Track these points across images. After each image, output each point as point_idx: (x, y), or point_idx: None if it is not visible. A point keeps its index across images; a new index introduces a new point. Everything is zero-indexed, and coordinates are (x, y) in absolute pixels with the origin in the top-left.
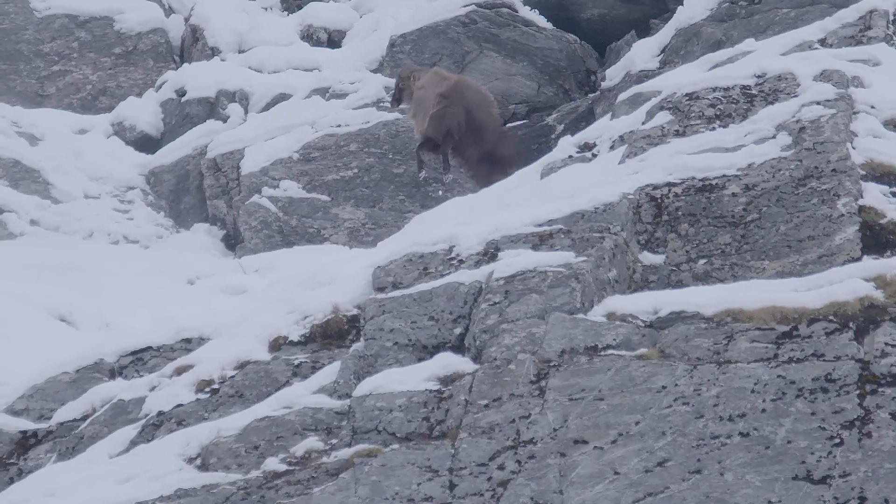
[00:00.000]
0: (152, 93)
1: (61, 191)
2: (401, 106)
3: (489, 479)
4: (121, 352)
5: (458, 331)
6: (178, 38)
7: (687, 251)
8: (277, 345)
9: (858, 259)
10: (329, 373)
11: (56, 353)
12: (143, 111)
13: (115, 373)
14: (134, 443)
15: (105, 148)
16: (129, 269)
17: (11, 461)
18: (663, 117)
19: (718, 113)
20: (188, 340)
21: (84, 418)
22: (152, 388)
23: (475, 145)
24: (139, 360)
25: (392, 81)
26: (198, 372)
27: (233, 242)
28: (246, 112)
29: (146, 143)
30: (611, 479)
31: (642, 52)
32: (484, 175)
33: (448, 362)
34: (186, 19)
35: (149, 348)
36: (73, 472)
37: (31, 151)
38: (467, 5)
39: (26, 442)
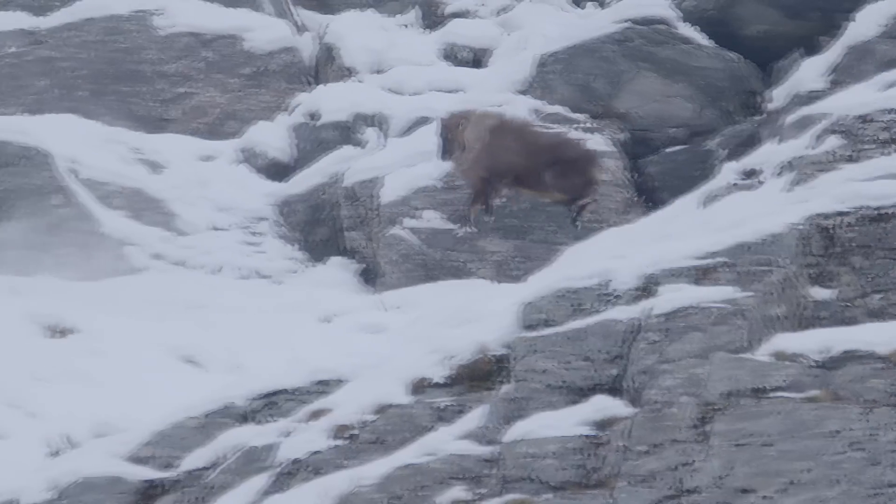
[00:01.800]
0: (283, 116)
1: (186, 222)
2: (451, 159)
3: None
4: (252, 395)
5: (613, 371)
6: (311, 57)
7: (861, 285)
8: (420, 387)
9: None
10: (476, 417)
11: (182, 397)
12: (273, 136)
13: (245, 418)
14: (266, 493)
15: (233, 176)
16: (259, 307)
17: None
18: (833, 142)
19: (893, 137)
20: (324, 383)
21: (213, 467)
22: (286, 434)
23: (544, 168)
24: (272, 403)
25: (541, 104)
26: (335, 416)
27: (371, 277)
28: (384, 137)
29: (277, 171)
30: None
31: (810, 71)
32: (575, 187)
33: (603, 405)
34: (320, 37)
35: (282, 391)
36: None
37: (153, 180)
38: (621, 22)
39: (151, 492)
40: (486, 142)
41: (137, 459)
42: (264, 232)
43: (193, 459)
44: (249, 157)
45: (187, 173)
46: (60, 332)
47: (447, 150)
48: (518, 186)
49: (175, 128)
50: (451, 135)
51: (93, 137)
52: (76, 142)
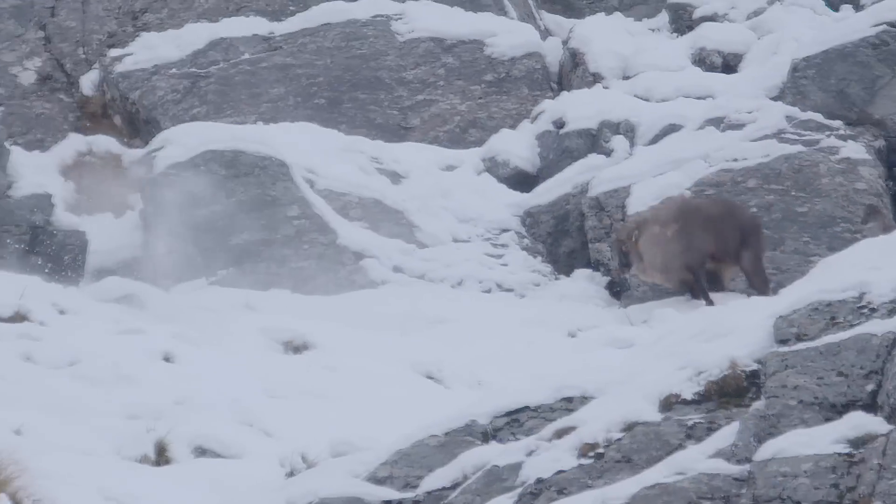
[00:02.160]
0: (527, 124)
1: (427, 234)
2: (632, 271)
3: None
4: (495, 412)
5: (869, 387)
6: (556, 63)
7: None
8: (669, 404)
9: None
10: (726, 435)
11: (423, 415)
12: (517, 145)
13: (488, 436)
14: None
15: (475, 186)
16: (503, 321)
17: None
18: None
19: None
20: (569, 399)
21: (454, 486)
22: (530, 453)
23: (742, 248)
24: (515, 421)
25: (794, 111)
26: (581, 434)
27: (618, 290)
28: (632, 145)
29: (521, 181)
30: None
31: None
32: (763, 276)
33: (859, 422)
34: (565, 42)
35: (526, 408)
36: None
37: (393, 190)
38: (877, 25)
39: None
40: (668, 239)
41: (376, 479)
42: (507, 244)
43: (434, 479)
44: (492, 167)
45: (428, 183)
46: (296, 348)
47: (625, 263)
48: (716, 264)
49: (415, 136)
50: (626, 246)
51: (330, 146)
52: (313, 151)
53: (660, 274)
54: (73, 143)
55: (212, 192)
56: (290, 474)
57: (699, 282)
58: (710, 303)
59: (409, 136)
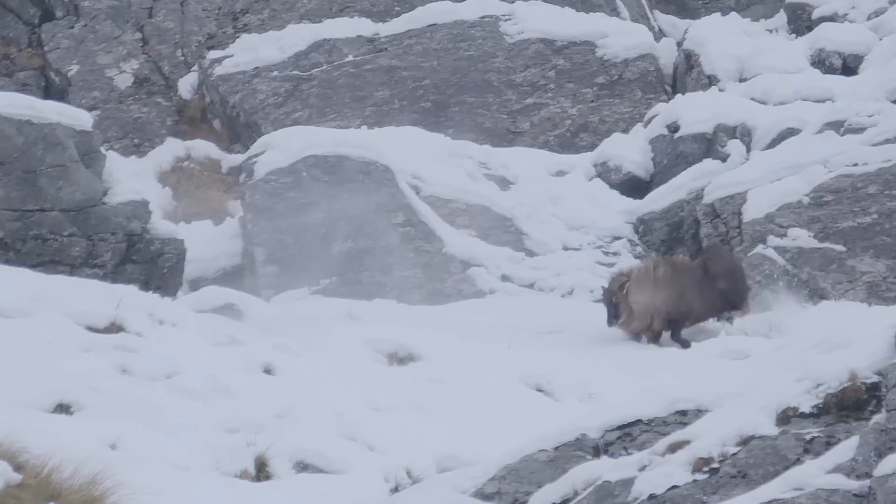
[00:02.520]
0: (640, 128)
1: (537, 241)
2: (621, 321)
3: None
4: (606, 426)
5: None
6: (670, 65)
7: None
8: (786, 417)
9: None
10: (846, 449)
11: (532, 428)
12: (629, 149)
13: (599, 450)
14: None
15: (587, 192)
16: (614, 331)
17: None
18: None
19: None
20: (683, 413)
21: (564, 502)
22: (642, 468)
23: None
24: (627, 435)
25: None
26: (695, 449)
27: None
28: (748, 150)
29: (634, 186)
30: None
31: None
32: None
33: None
34: (679, 44)
35: (638, 422)
36: None
37: (502, 197)
38: None
39: None
40: (657, 297)
41: (484, 495)
42: (620, 252)
43: (543, 495)
44: (604, 172)
45: (538, 189)
46: (401, 359)
47: (614, 315)
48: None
49: (525, 140)
50: (616, 298)
51: (437, 151)
52: (419, 156)
53: (648, 329)
54: (171, 148)
55: (314, 199)
56: (395, 490)
57: (676, 331)
58: (685, 345)
59: (518, 141)
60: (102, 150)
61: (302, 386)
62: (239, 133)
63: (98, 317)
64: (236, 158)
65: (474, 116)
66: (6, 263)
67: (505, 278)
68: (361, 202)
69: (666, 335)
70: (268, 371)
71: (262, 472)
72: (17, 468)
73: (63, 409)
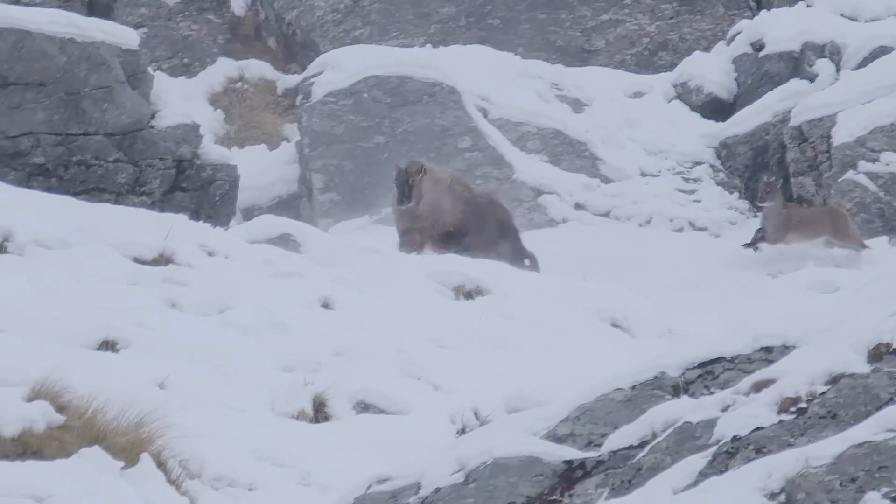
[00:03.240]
0: (722, 46)
1: (612, 167)
2: (406, 206)
3: None
4: (686, 364)
5: None
6: None
7: None
8: (878, 354)
9: None
10: None
11: (607, 366)
12: (711, 69)
13: (679, 389)
14: (703, 475)
15: (665, 114)
16: (695, 263)
17: (554, 497)
18: None
19: None
20: (768, 349)
21: (642, 445)
22: (725, 408)
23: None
24: (709, 373)
25: None
26: (780, 388)
27: None
28: (838, 69)
29: (716, 109)
30: None
31: None
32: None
33: None
34: None
35: (720, 359)
36: None
37: (575, 120)
38: None
39: (572, 475)
40: (445, 188)
41: (556, 437)
42: (701, 178)
43: (620, 437)
44: (684, 94)
45: (613, 112)
46: (468, 293)
47: (406, 196)
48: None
49: (599, 60)
50: (413, 180)
51: (506, 71)
52: (487, 76)
53: (429, 216)
54: (223, 69)
55: (375, 122)
56: (462, 432)
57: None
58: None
59: (593, 60)
60: (150, 70)
61: (362, 321)
62: (295, 52)
63: (145, 248)
64: (292, 79)
65: (546, 34)
66: (48, 191)
67: (579, 206)
68: (426, 125)
69: None
70: (326, 306)
71: (320, 412)
72: (60, 409)
73: (108, 346)
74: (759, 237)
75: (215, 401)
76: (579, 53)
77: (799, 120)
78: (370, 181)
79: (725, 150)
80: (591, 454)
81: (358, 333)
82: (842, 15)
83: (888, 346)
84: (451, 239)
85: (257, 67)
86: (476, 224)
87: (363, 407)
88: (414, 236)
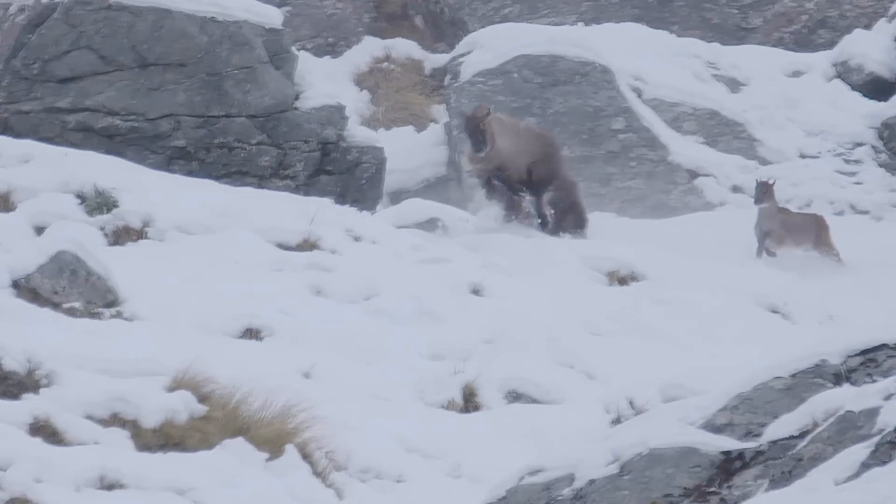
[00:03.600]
0: (884, 24)
1: (770, 149)
2: (487, 150)
3: None
4: (848, 351)
5: None
6: None
7: None
8: None
9: None
10: None
11: (766, 354)
12: (872, 47)
13: (840, 377)
14: (865, 465)
15: (825, 94)
16: (855, 247)
17: (712, 489)
18: None
19: None
20: None
21: (802, 435)
22: (888, 397)
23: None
24: (871, 361)
25: None
26: None
27: None
28: None
29: (877, 88)
30: None
31: None
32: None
33: None
34: None
35: (883, 346)
36: (791, 502)
37: (731, 100)
38: None
39: (730, 466)
40: (519, 132)
41: (714, 427)
42: (862, 159)
43: (780, 427)
44: (844, 73)
45: (771, 92)
46: (622, 278)
47: (481, 142)
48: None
49: (756, 38)
50: (483, 125)
51: (660, 50)
52: (641, 56)
53: (507, 158)
54: (369, 48)
55: (526, 103)
56: (616, 421)
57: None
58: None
59: (750, 38)
60: (293, 50)
61: (513, 308)
62: (443, 31)
63: (290, 233)
64: (440, 59)
65: (701, 11)
66: (189, 175)
67: (736, 189)
68: (578, 106)
69: None
70: (476, 292)
71: (470, 402)
72: (202, 399)
73: (252, 334)
74: (765, 241)
75: (362, 390)
76: (736, 31)
77: None
78: None
79: (888, 131)
80: (750, 444)
81: (508, 320)
82: None
83: None
84: (530, 184)
85: (404, 47)
86: (551, 164)
87: (514, 396)
88: (493, 182)
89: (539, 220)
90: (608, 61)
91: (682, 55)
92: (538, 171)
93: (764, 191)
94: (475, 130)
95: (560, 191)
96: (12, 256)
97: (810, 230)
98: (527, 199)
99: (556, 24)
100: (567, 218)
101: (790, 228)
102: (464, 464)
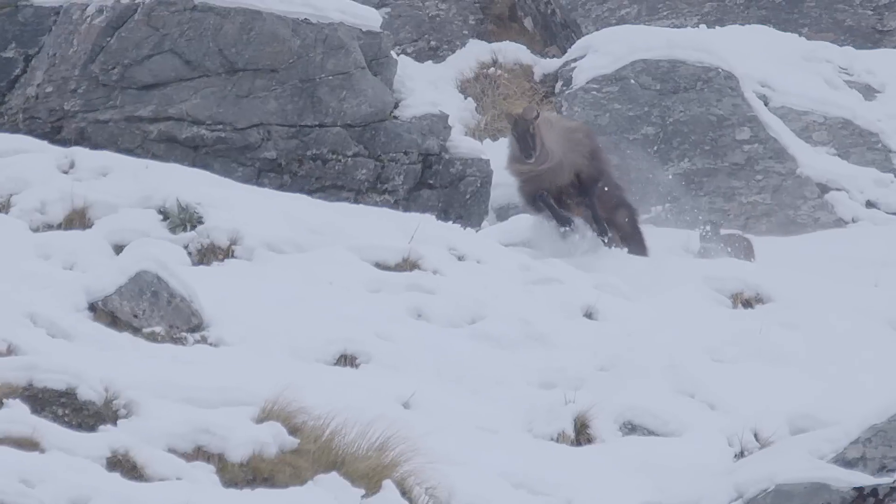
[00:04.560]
0: None
1: None
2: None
3: None
4: None
5: None
6: None
7: None
8: None
9: None
10: None
11: None
12: None
13: None
14: None
15: None
16: None
17: None
18: None
19: None
20: None
21: None
22: None
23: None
24: None
25: None
26: None
27: None
28: None
29: None
30: None
31: None
32: None
33: None
34: None
35: None
36: None
37: (866, 108)
38: None
39: (863, 502)
40: (571, 135)
41: (845, 462)
42: None
43: None
44: None
45: None
46: (747, 301)
47: (531, 147)
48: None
49: (893, 41)
50: (533, 128)
51: (789, 54)
52: (768, 60)
53: (557, 165)
54: (474, 52)
55: (643, 111)
56: (740, 455)
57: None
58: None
59: (886, 41)
60: (393, 54)
61: (630, 332)
62: (555, 34)
63: (388, 251)
64: (551, 64)
65: (833, 13)
66: (280, 188)
67: (870, 204)
68: (700, 115)
69: None
70: (589, 315)
71: (582, 434)
72: (294, 431)
73: (347, 360)
74: None
75: (466, 421)
76: (871, 34)
77: None
78: (637, 176)
79: None
80: (885, 480)
81: (624, 346)
82: None
83: None
84: (578, 189)
85: (512, 51)
86: (597, 169)
87: (630, 427)
88: (542, 193)
89: (596, 230)
90: (732, 66)
91: (813, 60)
92: (587, 170)
93: None
94: (525, 134)
95: (609, 188)
96: (89, 277)
97: (749, 247)
98: (578, 209)
99: (676, 27)
100: (618, 216)
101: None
102: (575, 501)
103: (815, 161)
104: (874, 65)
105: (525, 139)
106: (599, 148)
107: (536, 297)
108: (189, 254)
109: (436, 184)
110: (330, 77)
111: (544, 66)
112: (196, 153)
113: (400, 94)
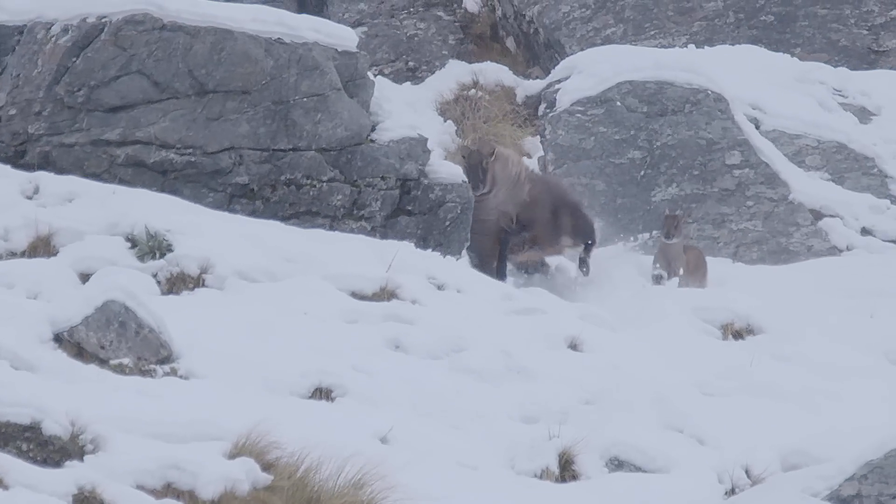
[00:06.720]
0: None
1: None
2: (478, 193)
3: None
4: None
5: None
6: None
7: None
8: None
9: None
10: None
11: None
12: None
13: None
14: None
15: None
16: None
17: None
18: None
19: None
20: None
21: None
22: None
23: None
24: None
25: None
26: None
27: None
28: None
29: None
30: None
31: None
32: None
33: None
34: None
35: None
36: None
37: (860, 131)
38: None
39: None
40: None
41: (840, 499)
42: None
43: None
44: None
45: None
46: (737, 332)
47: (480, 180)
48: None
49: (889, 62)
50: (486, 163)
51: (781, 76)
52: (759, 82)
53: (502, 204)
54: (454, 73)
55: (630, 135)
56: (731, 492)
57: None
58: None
59: (882, 62)
60: (370, 75)
61: (616, 365)
62: (538, 54)
63: (365, 280)
64: (534, 85)
65: (827, 32)
66: (252, 215)
67: (865, 231)
68: (688, 138)
69: None
70: (573, 346)
71: (566, 470)
72: (267, 467)
73: (322, 393)
74: (661, 275)
75: (445, 457)
76: (866, 55)
77: None
78: (624, 203)
79: None
80: None
81: (610, 379)
82: None
83: None
84: (512, 232)
85: (494, 72)
86: (534, 210)
87: (617, 463)
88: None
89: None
90: (722, 88)
91: (806, 81)
92: (519, 217)
93: (675, 224)
94: (477, 167)
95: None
96: (54, 306)
97: (699, 266)
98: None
99: (664, 47)
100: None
101: (690, 266)
102: None
103: (808, 186)
104: (869, 86)
105: (476, 172)
106: (544, 202)
107: (519, 328)
108: (158, 283)
109: (414, 210)
110: (304, 99)
111: (527, 87)
112: (165, 178)
113: (377, 117)
